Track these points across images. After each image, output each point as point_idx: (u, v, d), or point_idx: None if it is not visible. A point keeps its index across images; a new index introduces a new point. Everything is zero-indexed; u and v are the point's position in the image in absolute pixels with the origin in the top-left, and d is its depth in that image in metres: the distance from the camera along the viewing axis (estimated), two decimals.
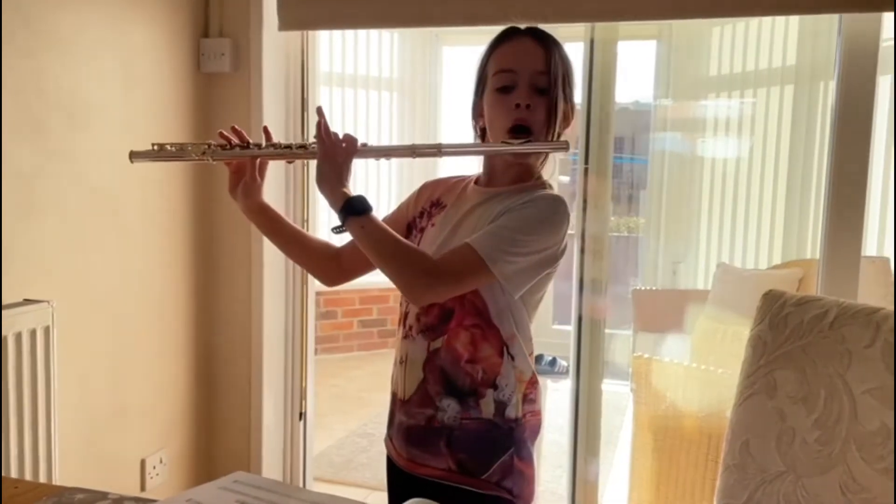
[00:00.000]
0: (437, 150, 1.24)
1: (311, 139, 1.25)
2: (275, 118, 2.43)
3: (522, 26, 1.27)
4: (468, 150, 1.28)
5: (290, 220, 1.41)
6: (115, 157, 2.10)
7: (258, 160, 1.32)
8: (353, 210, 1.17)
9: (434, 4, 2.18)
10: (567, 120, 1.27)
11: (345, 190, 1.19)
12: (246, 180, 1.32)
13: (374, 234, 1.18)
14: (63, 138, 1.94)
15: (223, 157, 1.29)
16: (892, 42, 2.24)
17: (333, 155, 1.21)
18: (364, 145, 1.24)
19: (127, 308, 2.18)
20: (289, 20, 2.33)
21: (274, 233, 1.39)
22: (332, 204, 1.19)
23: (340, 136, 1.23)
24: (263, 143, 1.29)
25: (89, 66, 2.00)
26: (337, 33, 4.75)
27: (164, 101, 2.27)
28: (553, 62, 1.22)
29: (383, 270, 1.20)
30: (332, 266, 1.40)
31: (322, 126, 1.22)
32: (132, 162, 1.30)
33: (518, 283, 1.21)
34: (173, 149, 1.28)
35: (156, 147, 1.28)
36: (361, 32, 4.85)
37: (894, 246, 2.95)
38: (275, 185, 2.42)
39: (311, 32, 2.49)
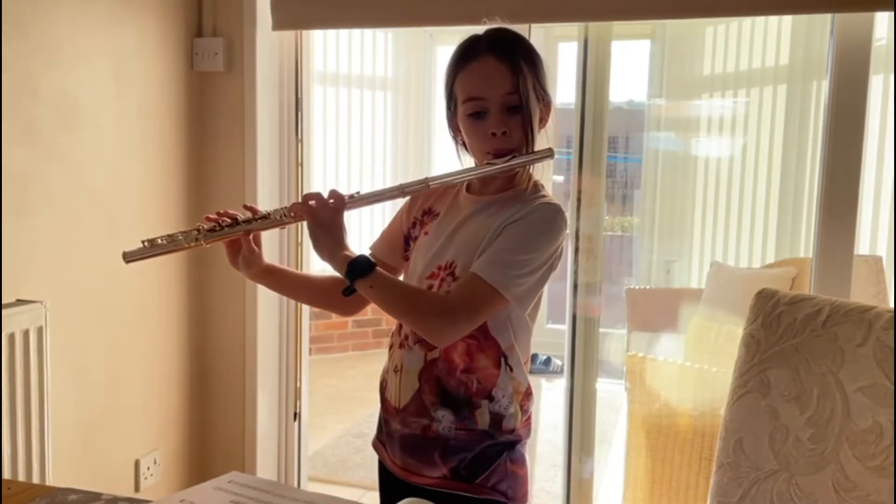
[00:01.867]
0: (425, 185, 1.24)
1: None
2: (269, 117, 2.43)
3: (482, 30, 1.24)
4: (455, 177, 1.26)
5: (292, 269, 1.40)
6: (108, 156, 2.10)
7: (251, 233, 1.30)
8: (358, 272, 1.16)
9: (428, 4, 2.18)
10: (544, 120, 1.25)
11: (346, 253, 1.18)
12: (244, 253, 1.30)
13: (385, 291, 1.18)
14: (56, 138, 1.94)
15: (215, 239, 1.27)
16: (885, 42, 2.25)
17: (323, 217, 1.19)
18: (352, 197, 1.22)
19: (120, 308, 2.18)
20: (283, 20, 2.33)
21: (283, 288, 1.40)
22: (336, 268, 1.18)
23: (324, 196, 1.21)
24: (250, 216, 1.28)
25: (82, 66, 2.00)
26: (331, 32, 4.74)
27: (157, 101, 2.26)
28: (521, 79, 1.18)
29: (400, 320, 1.21)
30: (344, 302, 1.36)
31: (302, 197, 1.20)
32: (126, 262, 1.27)
33: (529, 300, 1.21)
34: (164, 241, 1.26)
35: (147, 244, 1.26)
36: (356, 31, 4.85)
37: (894, 245, 2.96)
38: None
39: (305, 31, 2.48)
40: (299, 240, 2.51)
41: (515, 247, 1.18)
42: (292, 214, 1.24)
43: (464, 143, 1.29)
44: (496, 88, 1.19)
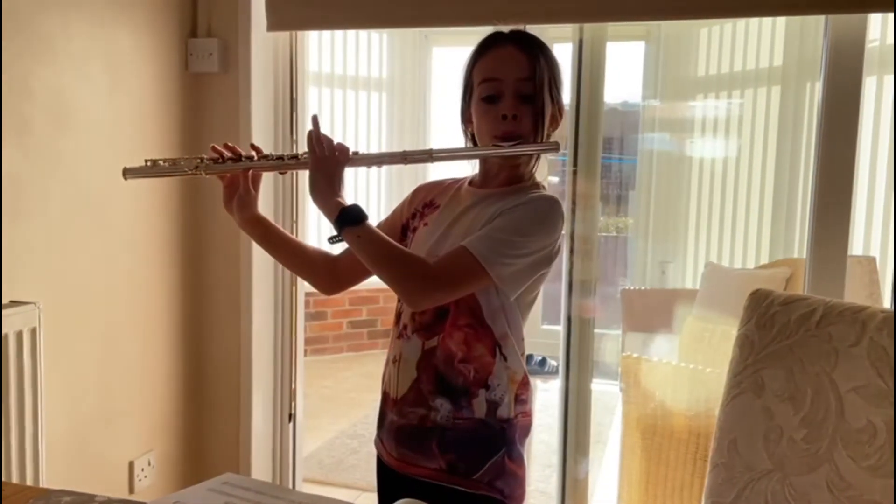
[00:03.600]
0: (429, 156, 1.25)
1: (303, 150, 1.25)
2: (263, 118, 2.42)
3: (506, 30, 1.27)
4: (459, 154, 1.28)
5: (284, 230, 1.42)
6: (102, 158, 2.09)
7: (251, 173, 1.32)
8: (348, 220, 1.17)
9: (423, 5, 2.18)
10: (555, 122, 1.27)
11: (339, 199, 1.19)
12: (240, 194, 1.32)
13: (371, 243, 1.19)
14: (50, 140, 1.93)
15: (216, 171, 1.30)
16: (878, 43, 2.26)
17: (325, 165, 1.21)
18: (356, 154, 1.24)
19: (115, 309, 2.17)
20: (277, 21, 2.32)
21: (270, 244, 1.39)
22: (327, 214, 1.19)
23: (333, 144, 1.22)
24: (255, 156, 1.30)
25: (76, 67, 1.99)
26: (326, 33, 4.74)
27: (151, 102, 2.26)
28: (537, 68, 1.21)
29: (381, 277, 1.21)
30: (329, 275, 1.40)
31: (314, 135, 1.22)
32: (125, 178, 1.30)
33: (514, 284, 1.22)
34: (166, 164, 1.29)
35: (149, 163, 1.29)
36: (350, 32, 4.85)
37: (894, 246, 2.98)
38: (264, 190, 2.41)
39: (300, 32, 2.48)
40: (295, 204, 2.51)
41: (507, 227, 1.19)
42: (297, 158, 1.26)
43: (473, 138, 1.31)
44: (512, 72, 1.22)
